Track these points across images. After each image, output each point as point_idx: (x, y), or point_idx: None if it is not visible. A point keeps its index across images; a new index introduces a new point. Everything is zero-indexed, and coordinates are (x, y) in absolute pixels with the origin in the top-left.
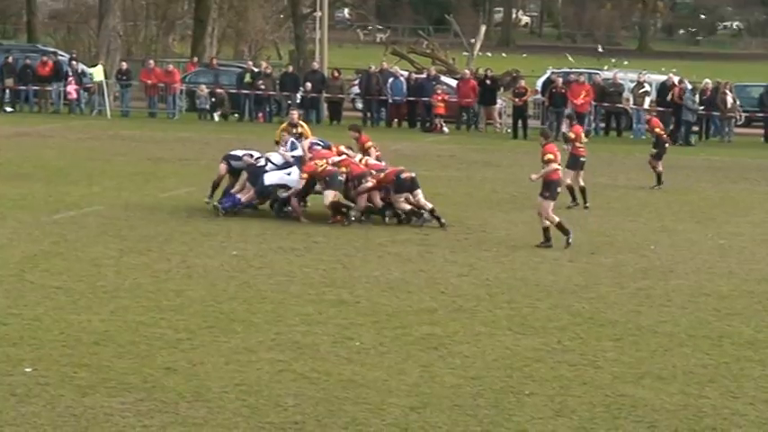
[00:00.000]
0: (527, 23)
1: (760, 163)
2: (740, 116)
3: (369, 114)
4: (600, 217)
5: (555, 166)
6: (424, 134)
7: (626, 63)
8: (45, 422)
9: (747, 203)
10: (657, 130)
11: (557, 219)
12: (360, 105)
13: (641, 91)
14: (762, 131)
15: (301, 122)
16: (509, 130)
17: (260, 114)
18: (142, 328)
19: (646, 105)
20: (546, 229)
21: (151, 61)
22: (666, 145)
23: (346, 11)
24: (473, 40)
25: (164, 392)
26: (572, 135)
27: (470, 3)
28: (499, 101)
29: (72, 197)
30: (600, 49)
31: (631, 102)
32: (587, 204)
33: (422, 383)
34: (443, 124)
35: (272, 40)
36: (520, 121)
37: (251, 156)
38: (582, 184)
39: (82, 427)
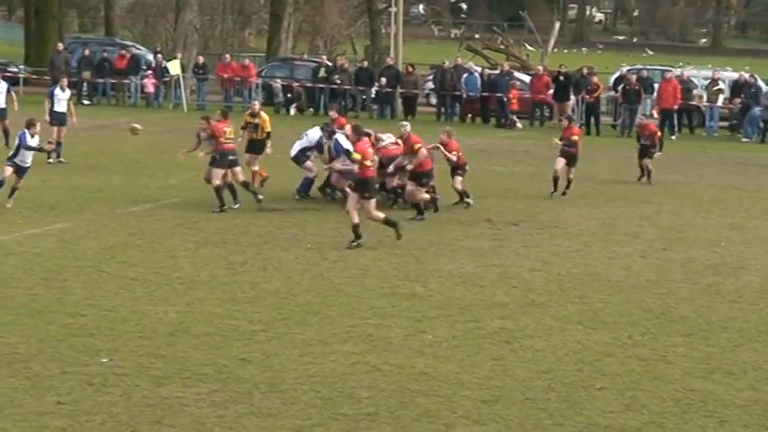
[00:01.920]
0: (601, 20)
1: None
2: None
3: (443, 109)
4: (672, 213)
5: (357, 166)
6: (498, 129)
7: (651, 53)
8: (121, 411)
9: None
10: (659, 134)
11: (382, 216)
12: (434, 101)
13: (715, 88)
14: None
15: (261, 114)
16: (582, 126)
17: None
18: (217, 319)
19: (719, 103)
20: (388, 222)
21: (227, 55)
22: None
23: (421, 7)
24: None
25: (238, 383)
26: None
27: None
28: (572, 97)
29: (149, 189)
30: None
31: (705, 99)
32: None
33: (493, 377)
34: (516, 120)
35: (347, 35)
36: (592, 118)
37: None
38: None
39: (157, 417)
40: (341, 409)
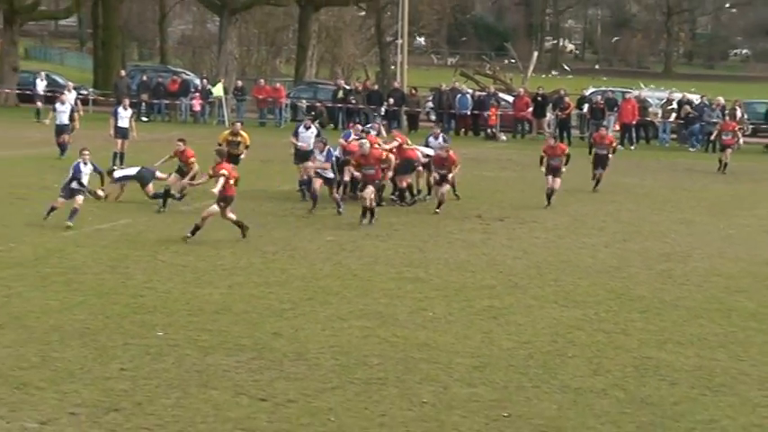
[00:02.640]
0: (572, 50)
1: (764, 166)
2: (748, 128)
3: (440, 125)
4: (630, 211)
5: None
6: (486, 141)
7: (605, 79)
8: (174, 377)
9: (753, 200)
10: (615, 144)
11: (234, 217)
12: (433, 117)
13: (669, 107)
14: (766, 140)
15: (241, 132)
16: (556, 138)
17: (350, 124)
18: (254, 299)
19: (671, 119)
20: (238, 223)
21: (262, 80)
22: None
23: (422, 39)
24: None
25: (271, 353)
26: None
27: (525, 33)
28: (548, 114)
29: (197, 191)
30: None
31: (659, 115)
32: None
33: (483, 347)
34: (497, 133)
35: (361, 62)
36: (564, 132)
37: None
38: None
39: (204, 381)
40: (356, 374)
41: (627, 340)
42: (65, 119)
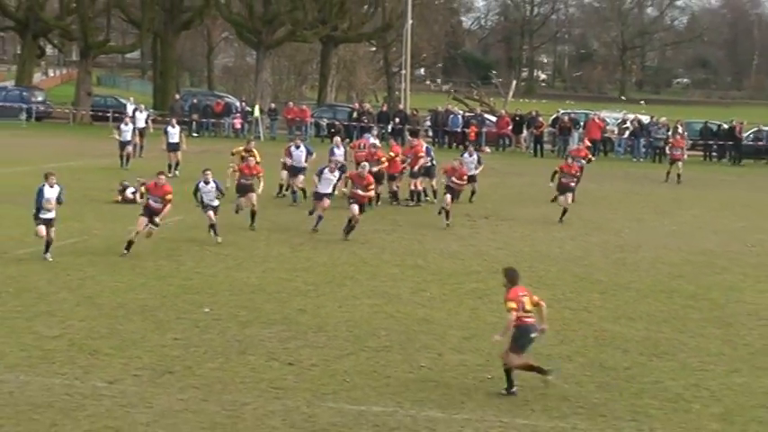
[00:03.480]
0: (544, 79)
1: (700, 175)
2: (687, 143)
3: (436, 140)
4: (591, 210)
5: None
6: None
7: (572, 102)
8: (218, 345)
9: (690, 202)
10: (590, 157)
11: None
12: (430, 133)
13: (624, 126)
14: (701, 153)
15: (254, 150)
16: (531, 151)
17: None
18: (283, 282)
19: (625, 136)
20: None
21: (290, 103)
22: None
23: (422, 70)
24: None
25: (297, 326)
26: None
27: (506, 65)
28: (524, 131)
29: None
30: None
31: (616, 132)
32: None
33: (471, 321)
34: (483, 146)
35: (372, 89)
36: (538, 146)
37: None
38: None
39: (242, 349)
40: (367, 343)
41: (588, 316)
42: (128, 136)
